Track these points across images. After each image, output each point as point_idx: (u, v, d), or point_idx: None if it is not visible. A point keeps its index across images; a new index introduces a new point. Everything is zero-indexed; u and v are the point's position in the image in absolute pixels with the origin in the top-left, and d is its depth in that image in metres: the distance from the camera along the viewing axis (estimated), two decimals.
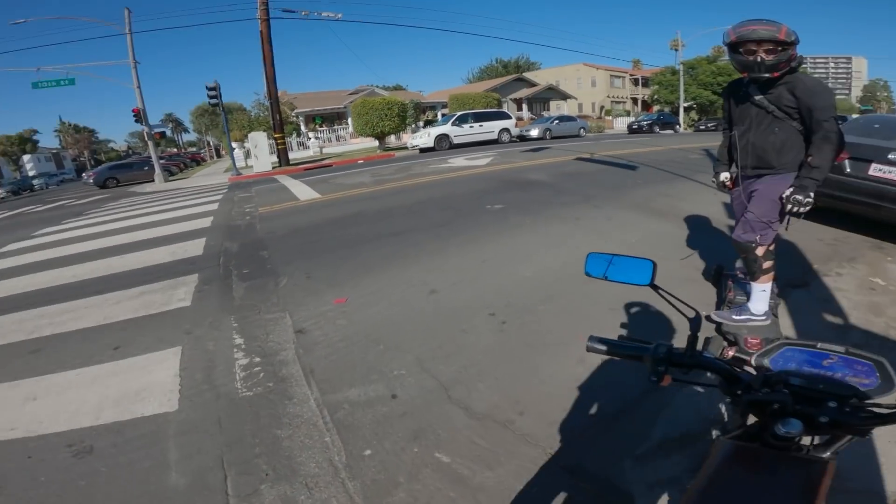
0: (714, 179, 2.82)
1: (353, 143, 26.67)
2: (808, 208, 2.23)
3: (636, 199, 6.19)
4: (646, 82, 44.88)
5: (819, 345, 0.73)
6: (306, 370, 2.50)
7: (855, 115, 7.02)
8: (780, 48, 2.05)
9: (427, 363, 2.52)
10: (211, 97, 15.11)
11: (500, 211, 5.85)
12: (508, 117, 21.33)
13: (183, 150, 59.16)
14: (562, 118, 24.45)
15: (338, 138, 28.23)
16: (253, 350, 2.76)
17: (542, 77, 44.24)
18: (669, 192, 6.56)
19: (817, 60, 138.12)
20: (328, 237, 5.20)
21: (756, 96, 2.28)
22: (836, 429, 0.66)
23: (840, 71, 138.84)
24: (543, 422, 2.04)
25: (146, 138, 18.60)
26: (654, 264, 0.84)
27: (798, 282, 3.49)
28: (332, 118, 31.52)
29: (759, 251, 2.43)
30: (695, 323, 0.76)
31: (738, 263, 2.92)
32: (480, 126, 19.46)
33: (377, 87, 35.78)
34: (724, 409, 1.27)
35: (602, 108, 44.06)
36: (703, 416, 1.97)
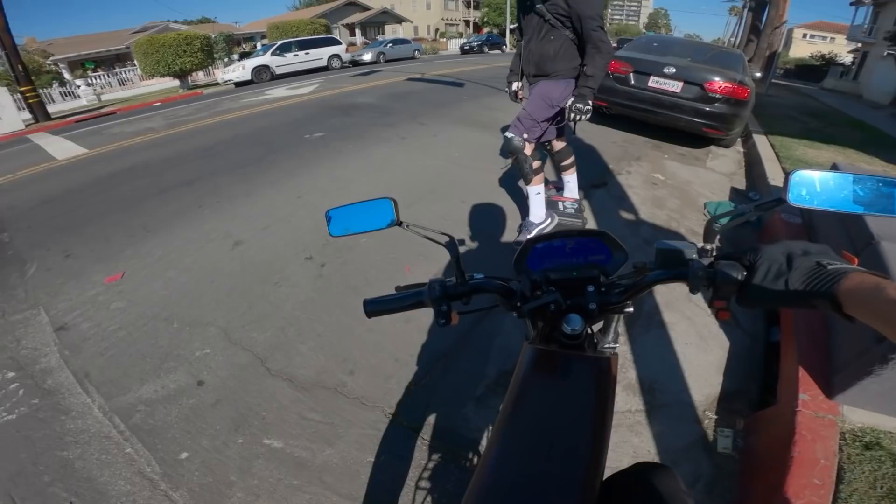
0: (507, 90, 2.83)
1: (145, 84, 22.28)
2: (588, 115, 2.32)
3: (461, 114, 6.31)
4: (477, 5, 46.44)
5: (557, 236, 0.77)
6: (79, 375, 2.02)
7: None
8: None
9: (236, 333, 2.15)
10: None
11: (321, 139, 5.31)
12: (338, 43, 19.77)
13: None
14: (395, 41, 23.71)
15: (122, 82, 23.26)
16: (2, 364, 2.14)
17: (376, 1, 41.89)
18: (492, 106, 6.84)
19: None
20: (95, 201, 4.05)
21: (537, 5, 2.30)
22: (605, 311, 0.71)
23: (632, 1, 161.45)
24: (377, 377, 1.87)
25: None
26: (394, 201, 0.78)
27: (598, 182, 3.85)
28: (109, 61, 26.50)
29: (528, 149, 2.52)
30: (451, 248, 0.74)
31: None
32: (307, 54, 17.70)
33: (173, 22, 31.48)
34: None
35: (437, 30, 44.30)
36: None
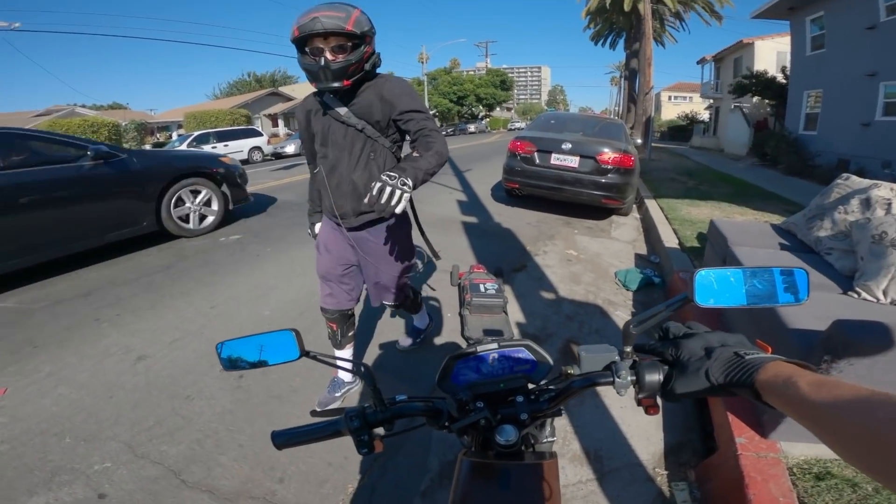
0: (310, 232, 2.13)
1: None
2: (405, 200, 1.35)
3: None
4: None
5: (478, 348, 0.78)
6: None
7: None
8: (350, 44, 1.48)
9: (143, 447, 1.93)
10: None
11: (237, 242, 5.02)
12: (259, 134, 19.64)
13: None
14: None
15: None
16: None
17: (300, 91, 42.38)
18: (415, 197, 6.87)
19: (518, 70, 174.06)
20: None
21: (339, 109, 1.64)
22: (536, 418, 0.72)
23: (533, 79, 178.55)
24: (310, 483, 1.73)
25: None
26: (296, 333, 0.71)
27: (518, 265, 4.00)
28: None
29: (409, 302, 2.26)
30: (367, 377, 0.71)
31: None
32: (225, 146, 17.29)
33: (81, 106, 29.86)
34: None
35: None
36: None
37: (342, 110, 1.65)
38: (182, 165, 5.06)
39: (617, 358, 0.65)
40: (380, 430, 0.71)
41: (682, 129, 31.58)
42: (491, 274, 1.82)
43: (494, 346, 0.78)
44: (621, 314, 3.11)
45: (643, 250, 4.57)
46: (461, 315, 1.45)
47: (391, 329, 2.93)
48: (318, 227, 2.04)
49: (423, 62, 40.67)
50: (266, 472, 1.79)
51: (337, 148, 1.72)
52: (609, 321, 3.01)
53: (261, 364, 0.72)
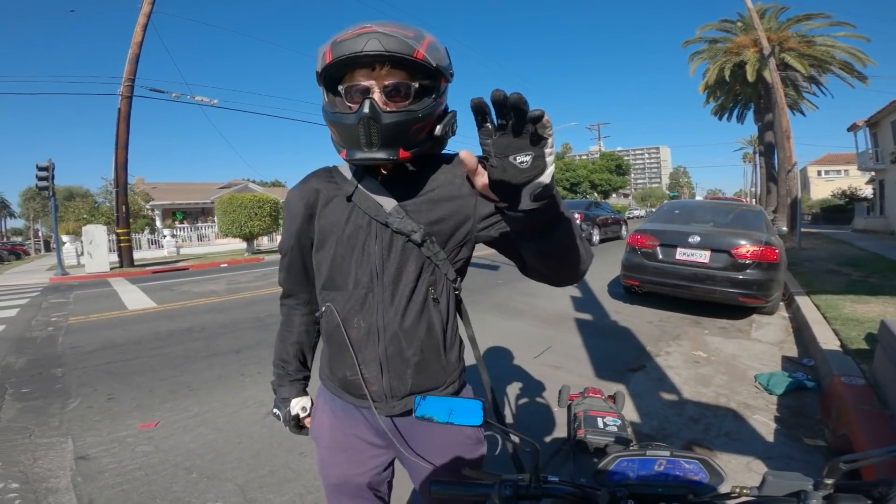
0: (277, 413, 1.19)
1: (218, 243, 22.92)
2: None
3: (496, 300, 6.42)
4: None
5: (647, 451, 0.76)
6: (83, 500, 2.13)
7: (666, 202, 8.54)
8: (416, 85, 0.86)
9: (253, 493, 2.16)
10: (40, 178, 12.36)
11: None
12: None
13: (3, 239, 49.44)
14: None
15: (200, 238, 23.93)
16: (10, 475, 2.36)
17: None
18: (527, 290, 6.92)
19: (634, 152, 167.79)
20: (150, 355, 4.44)
21: (382, 200, 0.94)
22: None
23: (651, 161, 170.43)
24: None
25: None
26: (483, 403, 0.79)
27: (636, 365, 3.74)
28: (196, 214, 28.27)
29: None
30: (534, 456, 0.73)
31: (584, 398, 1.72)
32: None
33: (252, 181, 34.26)
34: None
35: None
36: None
37: (388, 203, 0.93)
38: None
39: (810, 487, 0.61)
40: None
41: (840, 210, 27.61)
42: (610, 401, 1.67)
43: (666, 453, 0.75)
44: (761, 418, 2.78)
45: (793, 352, 4.01)
46: (571, 452, 1.36)
47: None
48: (297, 405, 1.17)
49: None
50: None
51: (368, 271, 0.94)
52: (744, 425, 2.70)
53: (448, 422, 0.81)
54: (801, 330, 4.51)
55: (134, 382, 3.69)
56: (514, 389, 3.31)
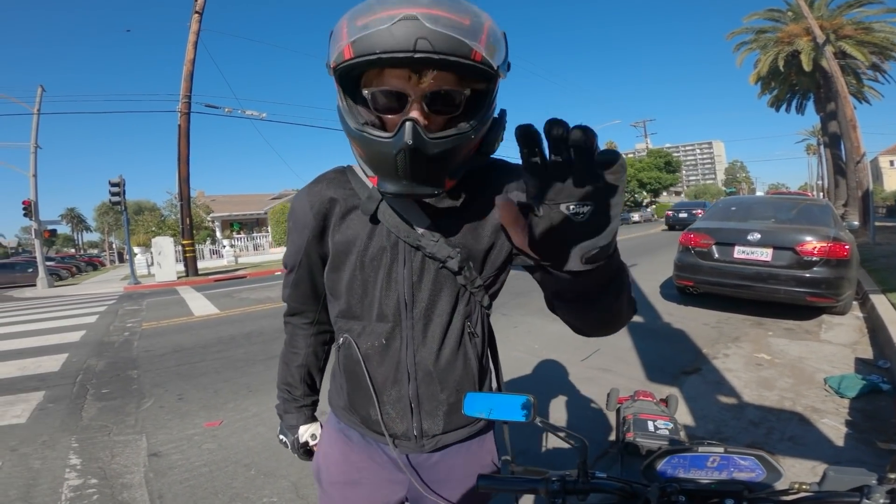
0: (284, 440, 1.07)
1: (272, 252, 24.03)
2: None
3: (541, 303, 6.23)
4: None
5: (699, 448, 0.75)
6: (153, 495, 2.28)
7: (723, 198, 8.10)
8: (467, 92, 0.68)
9: (305, 489, 2.26)
10: (113, 194, 13.49)
11: None
12: None
13: (81, 252, 54.06)
14: None
15: (256, 247, 25.19)
16: (90, 471, 2.54)
17: None
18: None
19: (685, 148, 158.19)
20: (214, 358, 4.73)
21: (413, 220, 0.79)
22: None
23: (704, 157, 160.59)
24: None
25: (34, 236, 16.49)
26: (533, 401, 0.75)
27: (690, 368, 3.59)
28: (251, 224, 29.84)
29: None
30: (582, 451, 0.73)
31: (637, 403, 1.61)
32: None
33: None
34: None
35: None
36: None
37: (420, 221, 0.80)
38: None
39: (873, 482, 0.60)
40: (573, 501, 0.74)
41: None
42: (662, 405, 1.60)
43: (720, 449, 0.73)
44: (830, 422, 2.61)
45: (867, 354, 3.72)
46: (620, 454, 1.33)
47: None
48: (305, 432, 1.03)
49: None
50: None
51: (395, 301, 0.82)
52: (810, 429, 2.55)
53: (494, 419, 0.79)
54: (876, 330, 4.18)
55: (200, 384, 3.93)
56: (561, 392, 3.27)
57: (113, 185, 13.60)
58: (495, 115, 0.74)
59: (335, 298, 0.87)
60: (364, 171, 0.79)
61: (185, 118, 14.67)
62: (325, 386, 1.01)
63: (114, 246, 51.04)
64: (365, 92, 0.67)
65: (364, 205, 0.79)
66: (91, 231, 63.99)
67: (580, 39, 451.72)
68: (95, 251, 58.78)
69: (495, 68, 0.65)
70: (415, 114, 0.64)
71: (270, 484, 2.34)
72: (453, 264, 0.78)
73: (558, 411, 2.97)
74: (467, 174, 0.77)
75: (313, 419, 1.05)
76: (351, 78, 0.68)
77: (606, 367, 3.70)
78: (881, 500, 0.56)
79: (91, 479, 2.49)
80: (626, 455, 1.31)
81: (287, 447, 1.06)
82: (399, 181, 0.67)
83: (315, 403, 1.07)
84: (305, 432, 1.02)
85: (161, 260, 14.47)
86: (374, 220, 0.79)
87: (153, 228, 23.61)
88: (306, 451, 1.04)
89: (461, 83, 0.67)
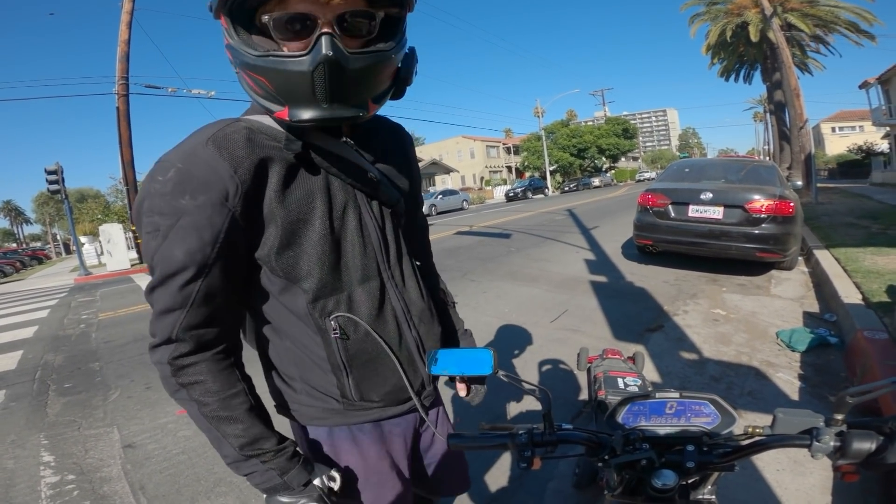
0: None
1: None
2: None
3: (510, 267, 6.45)
4: (517, 150, 49.07)
5: (657, 394, 0.77)
6: (134, 486, 2.25)
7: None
8: (383, 11, 0.66)
9: None
10: (51, 182, 12.57)
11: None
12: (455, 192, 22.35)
13: (23, 246, 50.56)
14: (445, 193, 24.64)
15: None
16: (66, 467, 2.49)
17: (426, 152, 46.34)
18: (540, 256, 7.03)
19: (641, 116, 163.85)
20: None
21: (360, 159, 0.77)
22: (704, 469, 0.69)
23: (659, 124, 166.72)
24: None
25: None
26: (493, 353, 0.78)
27: (653, 326, 3.75)
28: None
29: None
30: (546, 402, 0.74)
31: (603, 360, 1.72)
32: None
33: None
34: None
35: (482, 178, 46.79)
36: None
37: (370, 169, 0.78)
38: None
39: (821, 424, 0.63)
40: (541, 452, 0.74)
41: (857, 165, 27.09)
42: (629, 362, 1.66)
43: (675, 395, 0.76)
44: (784, 376, 2.77)
45: (814, 308, 3.97)
46: (593, 413, 1.38)
47: None
48: (324, 478, 0.80)
49: (539, 116, 40.57)
50: None
51: (374, 256, 0.79)
52: (767, 383, 2.70)
53: (460, 376, 0.83)
54: (821, 284, 4.46)
55: None
56: (532, 354, 3.36)
57: (49, 172, 12.63)
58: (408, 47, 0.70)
59: (295, 282, 0.71)
60: (266, 109, 0.65)
61: (123, 100, 13.88)
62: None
63: (58, 237, 47.99)
64: (265, 18, 0.60)
65: (293, 152, 0.68)
66: (32, 223, 59.82)
67: (545, 10, 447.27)
68: (39, 244, 55.04)
69: None
70: (325, 30, 0.59)
71: None
72: (401, 206, 0.82)
73: (531, 373, 3.05)
74: (364, 124, 0.77)
75: (310, 461, 0.79)
76: (244, 10, 0.61)
77: (575, 328, 3.82)
78: (831, 443, 0.60)
79: (68, 475, 2.44)
80: (599, 413, 1.36)
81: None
82: (318, 105, 0.60)
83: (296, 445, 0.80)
84: (324, 478, 0.79)
85: (111, 248, 13.73)
86: (315, 170, 0.71)
87: (99, 216, 22.30)
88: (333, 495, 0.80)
89: (371, 5, 0.63)
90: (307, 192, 0.70)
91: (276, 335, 0.79)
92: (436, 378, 0.89)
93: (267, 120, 0.70)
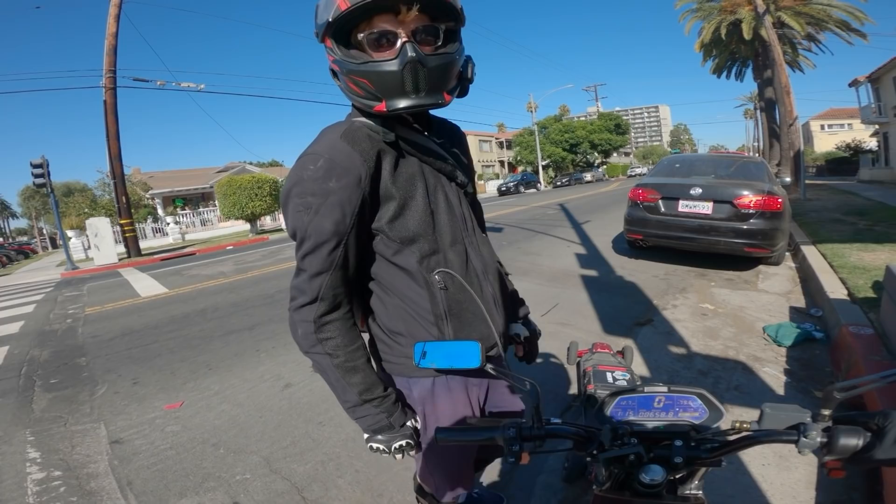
0: (402, 444, 0.98)
1: (222, 227, 23.32)
2: None
3: (502, 260, 6.37)
4: (509, 144, 49.19)
5: (645, 388, 0.77)
6: (122, 482, 2.23)
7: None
8: (444, 27, 0.83)
9: (277, 463, 2.26)
10: (36, 176, 12.36)
11: None
12: None
13: (9, 240, 49.64)
14: None
15: (203, 222, 24.11)
16: (52, 464, 2.46)
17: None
18: (531, 250, 7.06)
19: (633, 111, 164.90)
20: (168, 338, 4.56)
21: (436, 147, 0.98)
22: (692, 464, 0.69)
23: (651, 120, 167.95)
24: None
25: None
26: (481, 346, 0.82)
27: (643, 320, 3.78)
28: (196, 200, 28.43)
29: None
30: (533, 395, 0.75)
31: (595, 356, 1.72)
32: None
33: (249, 163, 33.96)
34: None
35: (475, 173, 46.56)
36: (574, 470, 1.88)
37: (445, 159, 0.98)
38: None
39: (808, 419, 0.63)
40: (530, 447, 0.74)
41: (845, 162, 27.41)
42: (618, 356, 1.67)
43: (664, 389, 0.76)
44: (770, 370, 2.79)
45: (800, 303, 4.02)
46: (583, 407, 1.39)
47: None
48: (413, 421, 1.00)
49: (532, 111, 40.65)
50: (375, 499, 1.95)
51: (458, 224, 0.99)
52: (753, 378, 2.72)
53: (448, 368, 0.86)
54: (808, 280, 4.52)
55: (156, 365, 3.79)
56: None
57: (35, 166, 12.40)
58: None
59: (407, 244, 0.91)
60: (366, 106, 0.83)
61: (110, 93, 13.69)
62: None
63: (45, 231, 47.13)
64: (360, 36, 0.79)
65: (385, 137, 0.87)
66: (17, 217, 58.69)
67: (539, 4, 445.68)
68: (25, 238, 54.09)
69: (459, 7, 0.83)
70: (408, 39, 0.78)
71: (242, 461, 2.31)
72: (470, 187, 1.05)
73: (520, 366, 3.07)
74: (430, 120, 1.00)
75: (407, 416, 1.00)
76: (342, 32, 0.80)
77: (565, 321, 3.84)
78: (818, 438, 0.60)
79: (54, 471, 2.41)
80: (588, 407, 1.36)
81: (401, 454, 0.97)
82: (408, 95, 0.79)
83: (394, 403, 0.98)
84: (413, 419, 1.02)
85: (98, 242, 13.52)
86: (411, 159, 0.92)
87: (86, 210, 21.98)
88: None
89: (436, 21, 0.82)
90: (410, 175, 0.91)
91: (386, 293, 0.96)
92: (505, 332, 1.09)
93: (369, 121, 0.89)
